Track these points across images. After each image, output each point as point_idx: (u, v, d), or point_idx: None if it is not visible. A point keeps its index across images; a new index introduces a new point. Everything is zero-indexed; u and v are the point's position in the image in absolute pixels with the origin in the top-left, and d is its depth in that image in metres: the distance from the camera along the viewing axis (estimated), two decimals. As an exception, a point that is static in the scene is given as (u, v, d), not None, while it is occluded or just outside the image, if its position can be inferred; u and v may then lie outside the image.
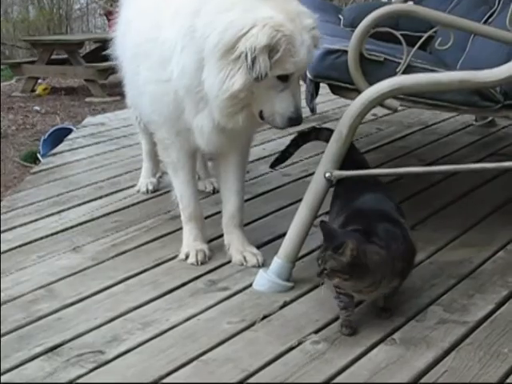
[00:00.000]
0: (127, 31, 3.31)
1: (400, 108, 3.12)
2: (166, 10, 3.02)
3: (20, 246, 3.54)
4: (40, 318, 2.87)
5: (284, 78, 2.88)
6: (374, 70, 3.03)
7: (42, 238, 3.57)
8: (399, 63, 3.02)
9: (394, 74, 2.99)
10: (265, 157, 4.64)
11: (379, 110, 3.43)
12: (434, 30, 3.09)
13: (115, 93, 8.57)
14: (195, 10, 2.90)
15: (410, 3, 4.74)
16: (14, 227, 3.75)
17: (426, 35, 3.05)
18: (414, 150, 4.95)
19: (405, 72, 3.01)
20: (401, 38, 2.95)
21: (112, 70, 9.02)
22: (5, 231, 3.71)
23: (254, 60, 2.76)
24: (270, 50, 2.78)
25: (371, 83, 2.96)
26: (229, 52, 2.79)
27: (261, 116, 2.97)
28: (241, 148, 3.32)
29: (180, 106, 3.06)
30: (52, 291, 3.08)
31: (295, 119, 2.93)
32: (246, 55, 2.75)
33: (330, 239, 2.63)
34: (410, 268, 2.83)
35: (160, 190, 4.12)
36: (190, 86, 2.97)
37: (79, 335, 2.74)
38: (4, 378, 2.49)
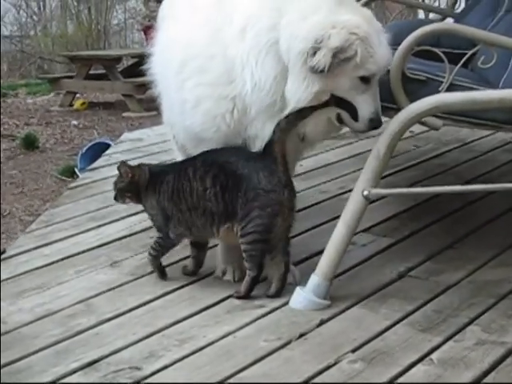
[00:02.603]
0: (170, 47, 3.28)
1: (442, 126, 3.11)
2: (226, 26, 3.03)
3: (58, 260, 3.56)
4: (78, 332, 2.89)
5: (366, 80, 2.91)
6: (416, 88, 3.01)
7: (80, 253, 3.59)
8: (442, 82, 3.00)
9: (437, 92, 2.98)
10: (302, 173, 4.63)
11: (416, 127, 3.42)
12: (477, 48, 3.07)
13: (152, 108, 8.60)
14: (270, 25, 2.93)
15: (449, 20, 4.73)
16: (52, 242, 3.78)
17: (469, 53, 3.04)
18: (452, 168, 4.92)
19: (447, 91, 2.99)
20: (443, 56, 2.94)
21: (149, 85, 9.08)
22: (43, 246, 3.74)
23: (315, 51, 2.81)
24: (339, 51, 2.81)
25: (413, 102, 2.95)
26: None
27: (339, 119, 2.99)
28: (293, 162, 3.31)
29: (243, 120, 3.06)
30: (90, 306, 3.10)
31: (376, 121, 2.95)
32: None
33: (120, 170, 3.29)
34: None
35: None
36: (265, 101, 2.98)
37: (117, 351, 2.75)
38: (42, 393, 2.50)
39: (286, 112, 2.96)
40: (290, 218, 3.08)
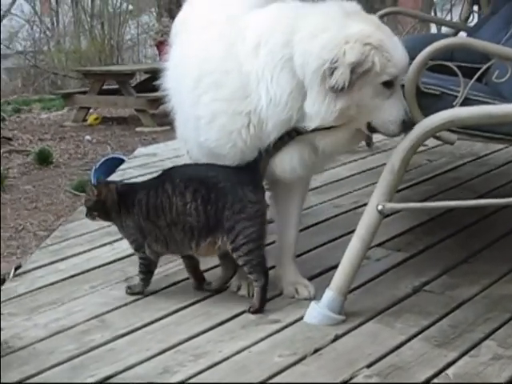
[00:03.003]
0: (184, 62, 3.30)
1: (456, 140, 3.10)
2: (239, 42, 3.04)
3: (73, 276, 3.57)
4: (92, 348, 2.89)
5: (389, 84, 2.92)
6: (430, 103, 3.01)
7: (94, 269, 3.60)
8: (456, 96, 3.00)
9: (451, 107, 2.97)
10: (316, 188, 4.62)
11: (430, 141, 3.42)
12: (491, 62, 3.07)
13: (165, 123, 8.63)
14: (284, 42, 2.94)
15: (463, 34, 4.73)
16: (67, 257, 3.79)
17: (483, 68, 3.03)
18: (466, 182, 4.91)
19: (462, 105, 2.98)
20: (458, 71, 2.93)
21: (162, 100, 9.11)
22: (57, 261, 3.75)
23: (333, 71, 2.82)
24: (357, 65, 2.83)
25: (428, 117, 2.95)
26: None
27: (369, 128, 3.00)
28: (308, 177, 3.34)
29: (260, 135, 3.06)
30: (104, 322, 3.10)
31: (408, 122, 2.95)
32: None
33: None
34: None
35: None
36: (281, 116, 2.98)
37: (131, 366, 2.74)
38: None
39: (313, 134, 2.97)
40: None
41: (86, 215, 3.35)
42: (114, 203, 3.24)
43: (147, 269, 3.30)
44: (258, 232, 3.10)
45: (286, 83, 2.94)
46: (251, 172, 3.12)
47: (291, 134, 3.03)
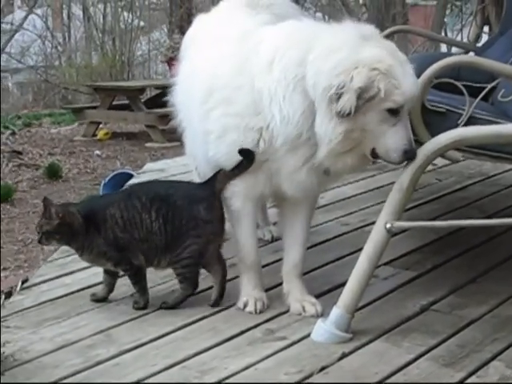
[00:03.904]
0: (193, 77, 3.31)
1: (461, 158, 3.10)
2: (253, 57, 3.06)
3: (79, 290, 3.57)
4: (98, 363, 2.88)
5: (395, 112, 2.90)
6: (435, 121, 3.02)
7: (100, 283, 3.59)
8: (461, 114, 3.00)
9: (456, 125, 2.98)
10: (323, 206, 4.62)
11: (439, 160, 3.41)
12: (497, 81, 3.07)
13: (175, 138, 8.60)
14: (298, 60, 2.96)
15: (471, 54, 4.73)
16: (74, 272, 3.78)
17: (489, 87, 3.04)
18: (475, 202, 4.90)
19: (467, 123, 2.99)
20: (463, 89, 2.93)
21: (172, 116, 9.13)
22: (64, 275, 3.75)
23: (339, 96, 2.81)
24: (363, 90, 2.82)
25: (433, 134, 2.95)
26: None
27: (373, 154, 2.99)
28: (315, 195, 3.35)
29: (267, 152, 3.08)
30: (110, 336, 3.09)
31: (410, 152, 2.92)
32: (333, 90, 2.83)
33: (45, 210, 3.21)
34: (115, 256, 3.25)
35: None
36: (292, 134, 3.00)
37: (137, 382, 2.74)
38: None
39: (320, 154, 2.97)
40: (221, 242, 3.35)
41: (40, 241, 3.27)
42: (79, 226, 3.23)
43: (137, 277, 3.32)
44: (202, 250, 3.26)
45: (298, 103, 2.95)
46: (207, 190, 3.25)
47: (250, 159, 3.10)
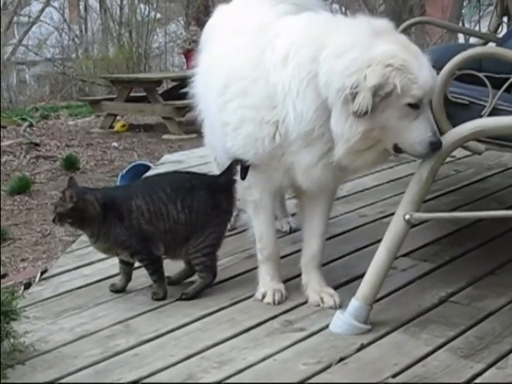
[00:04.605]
0: (212, 68, 3.32)
1: (484, 150, 3.08)
2: (270, 51, 3.05)
3: (97, 281, 3.59)
4: (117, 353, 2.89)
5: (415, 106, 2.86)
6: (458, 112, 2.99)
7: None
8: (484, 106, 2.98)
9: (479, 117, 2.95)
10: (342, 197, 4.61)
11: (458, 152, 3.39)
12: (520, 72, 3.05)
13: (192, 130, 8.65)
14: (312, 57, 2.93)
15: (492, 45, 4.71)
16: (92, 262, 3.80)
17: (512, 78, 3.01)
18: (494, 193, 4.87)
19: (490, 115, 2.96)
20: (486, 80, 2.91)
21: (189, 108, 9.15)
22: (83, 266, 3.77)
23: (354, 96, 2.79)
24: (378, 88, 2.79)
25: (455, 126, 2.93)
26: None
27: (396, 149, 2.95)
28: (334, 187, 3.33)
29: (283, 146, 3.07)
30: (129, 327, 3.10)
31: (436, 143, 2.89)
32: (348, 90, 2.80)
33: (64, 192, 3.25)
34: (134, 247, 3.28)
35: (237, 228, 4.08)
36: (305, 130, 2.98)
37: (155, 372, 2.75)
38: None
39: (338, 152, 2.94)
40: None
41: (54, 220, 3.30)
42: (96, 213, 3.24)
43: (155, 267, 3.34)
44: (220, 239, 3.37)
45: (311, 100, 2.93)
46: (226, 180, 3.33)
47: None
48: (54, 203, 3.33)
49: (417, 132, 2.88)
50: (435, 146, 2.89)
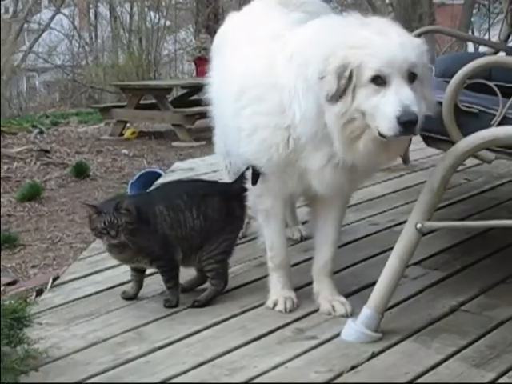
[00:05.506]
0: (227, 75, 3.33)
1: (493, 159, 3.09)
2: (280, 53, 3.06)
3: (109, 288, 3.59)
4: (128, 360, 2.90)
5: (380, 82, 2.79)
6: (468, 121, 3.00)
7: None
8: (494, 115, 2.99)
9: (489, 126, 2.96)
10: (352, 205, 4.61)
11: (468, 160, 3.40)
12: (530, 81, 3.05)
13: (201, 138, 8.69)
14: (304, 60, 2.94)
15: (502, 54, 4.71)
16: (104, 269, 3.81)
17: (522, 87, 3.02)
18: (504, 202, 4.87)
19: (500, 124, 2.97)
20: (496, 89, 2.92)
21: (199, 116, 9.20)
22: (94, 273, 3.78)
23: (321, 83, 2.81)
24: (342, 69, 2.79)
25: (465, 135, 2.93)
26: None
27: (380, 133, 2.82)
28: (347, 194, 3.32)
29: (296, 151, 3.07)
30: (141, 334, 3.11)
31: (403, 116, 2.71)
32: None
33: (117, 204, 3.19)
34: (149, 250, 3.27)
35: (248, 235, 4.08)
36: (310, 132, 2.98)
37: (167, 379, 2.75)
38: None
39: (335, 148, 2.93)
40: None
41: (117, 235, 3.18)
42: (134, 220, 3.24)
43: (172, 274, 3.34)
44: (232, 246, 3.41)
45: (313, 99, 2.93)
46: (239, 188, 3.34)
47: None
48: (108, 224, 3.17)
49: (383, 108, 2.78)
50: (403, 120, 2.71)
